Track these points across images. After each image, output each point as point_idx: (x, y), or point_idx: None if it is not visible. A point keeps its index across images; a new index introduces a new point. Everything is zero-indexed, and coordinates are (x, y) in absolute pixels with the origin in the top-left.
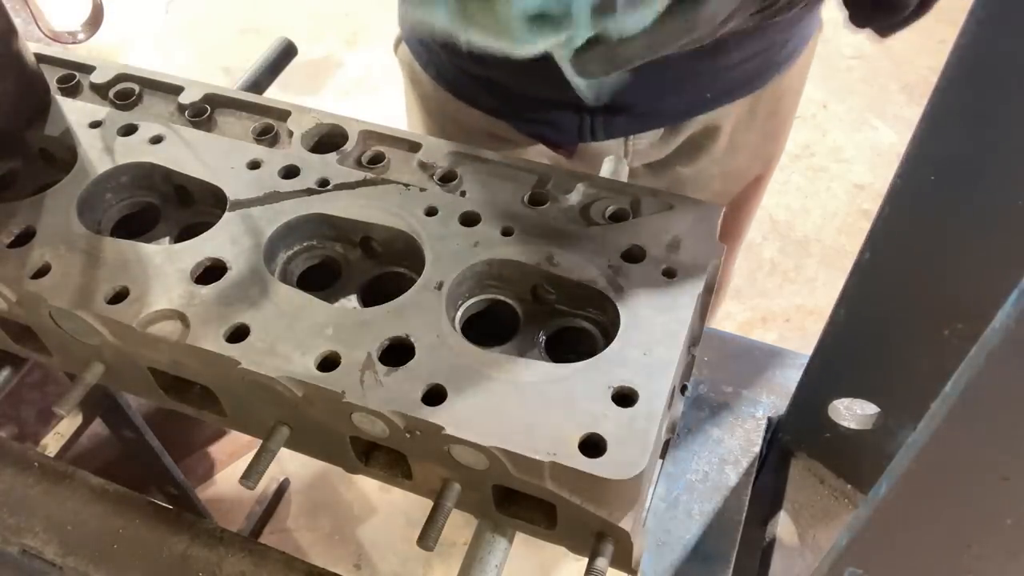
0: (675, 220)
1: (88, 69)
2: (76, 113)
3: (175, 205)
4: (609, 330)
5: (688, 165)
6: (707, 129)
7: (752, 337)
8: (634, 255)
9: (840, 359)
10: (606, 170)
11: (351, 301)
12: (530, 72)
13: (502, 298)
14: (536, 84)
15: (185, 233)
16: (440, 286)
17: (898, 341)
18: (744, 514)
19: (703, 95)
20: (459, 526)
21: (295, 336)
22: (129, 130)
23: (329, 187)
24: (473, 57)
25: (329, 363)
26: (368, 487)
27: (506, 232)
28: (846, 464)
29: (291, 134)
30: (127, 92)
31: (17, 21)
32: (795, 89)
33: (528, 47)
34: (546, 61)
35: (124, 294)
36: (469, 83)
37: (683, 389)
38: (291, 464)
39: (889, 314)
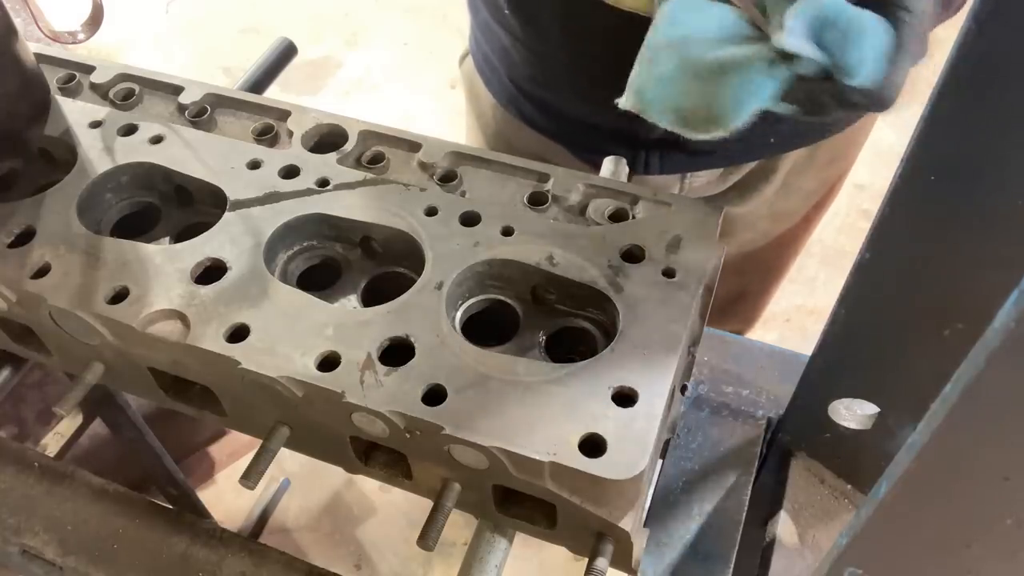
0: (675, 220)
1: (88, 69)
2: (76, 113)
3: (175, 205)
4: (609, 330)
5: (739, 204)
6: (762, 171)
7: (752, 337)
8: (634, 255)
9: (840, 359)
10: (606, 170)
11: (351, 301)
12: (588, 100)
13: (502, 298)
14: (594, 112)
15: (185, 233)
16: (440, 286)
17: (898, 341)
18: (744, 514)
19: (767, 139)
20: (459, 526)
21: (295, 336)
22: (129, 130)
23: (329, 187)
24: (532, 78)
25: (329, 363)
26: (368, 487)
27: (506, 232)
28: (846, 464)
29: (291, 134)
30: (127, 92)
31: (17, 21)
32: (860, 141)
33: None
34: (605, 91)
35: (124, 294)
36: (527, 103)
37: (683, 389)
38: (291, 464)
39: (889, 314)
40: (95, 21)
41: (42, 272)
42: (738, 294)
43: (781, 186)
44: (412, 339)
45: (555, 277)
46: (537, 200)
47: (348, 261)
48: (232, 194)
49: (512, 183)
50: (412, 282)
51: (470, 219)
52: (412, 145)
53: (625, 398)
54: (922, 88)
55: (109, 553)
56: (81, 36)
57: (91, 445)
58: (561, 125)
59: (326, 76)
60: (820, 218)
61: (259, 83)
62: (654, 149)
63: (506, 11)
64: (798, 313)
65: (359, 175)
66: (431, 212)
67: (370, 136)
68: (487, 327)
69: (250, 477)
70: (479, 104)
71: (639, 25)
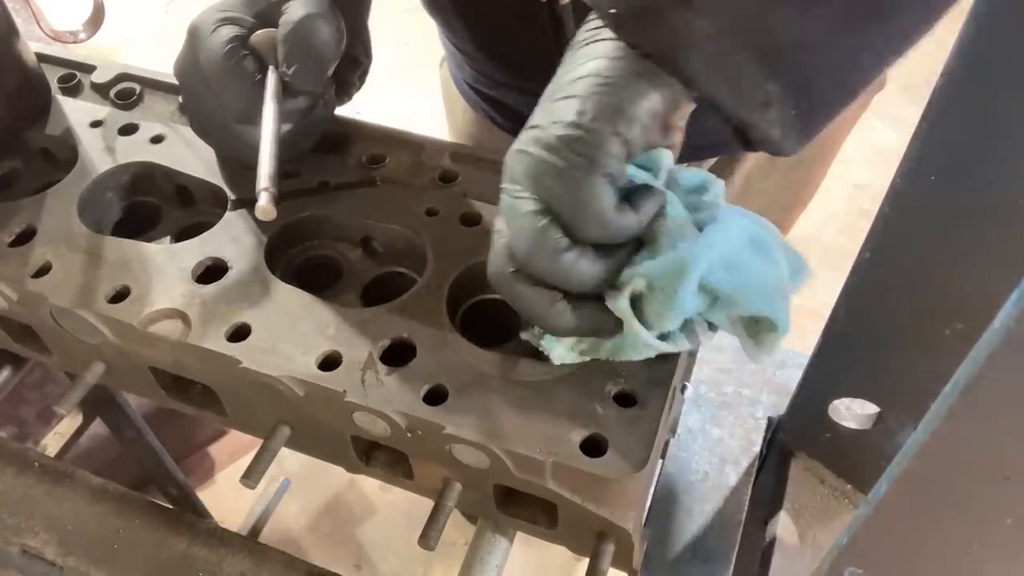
0: None
1: (89, 69)
2: (77, 113)
3: (176, 205)
4: None
5: None
6: (719, 171)
7: None
8: None
9: (840, 359)
10: None
11: (352, 301)
12: (522, 92)
13: (502, 298)
14: (529, 104)
15: (186, 233)
16: (441, 286)
17: (898, 341)
18: (744, 514)
19: (711, 139)
20: (459, 526)
21: (296, 336)
22: (130, 129)
23: (329, 187)
24: (476, 78)
25: (330, 363)
26: (368, 487)
27: None
28: (846, 464)
29: None
30: (128, 92)
31: (18, 21)
32: (833, 139)
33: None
34: (525, 79)
35: (125, 293)
36: (485, 103)
37: (683, 389)
38: (291, 464)
39: (889, 314)
40: (96, 21)
41: (43, 271)
42: None
43: (742, 189)
44: (413, 339)
45: None
46: None
47: (349, 261)
48: (233, 194)
49: None
50: (413, 282)
51: (470, 219)
52: (412, 145)
53: (626, 398)
54: (922, 88)
55: (109, 553)
56: (82, 35)
57: (91, 445)
58: (516, 123)
59: None
60: (791, 226)
61: None
62: None
63: (428, 12)
64: (798, 313)
65: (359, 175)
66: (431, 212)
67: (370, 136)
68: (487, 327)
69: (251, 477)
70: (452, 107)
71: (529, 5)
